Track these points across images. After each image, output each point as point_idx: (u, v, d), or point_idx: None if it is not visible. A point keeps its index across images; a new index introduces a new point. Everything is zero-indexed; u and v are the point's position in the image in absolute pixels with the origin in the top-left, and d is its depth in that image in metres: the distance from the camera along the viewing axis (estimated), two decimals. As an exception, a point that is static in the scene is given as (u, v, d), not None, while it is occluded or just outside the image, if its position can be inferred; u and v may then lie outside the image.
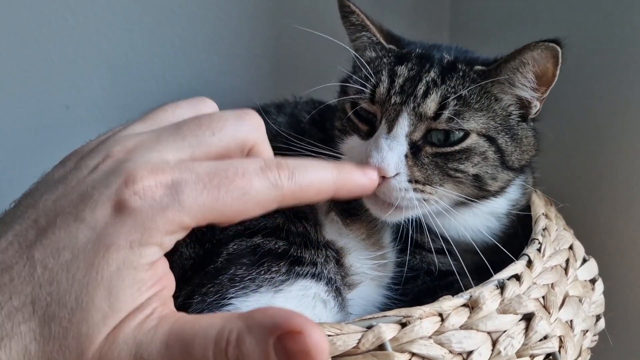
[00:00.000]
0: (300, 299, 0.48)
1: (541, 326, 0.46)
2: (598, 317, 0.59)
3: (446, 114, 0.54)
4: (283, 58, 0.98)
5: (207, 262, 0.49)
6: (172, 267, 0.49)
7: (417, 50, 0.60)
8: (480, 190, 0.57)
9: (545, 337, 0.46)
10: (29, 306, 0.30)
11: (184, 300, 0.48)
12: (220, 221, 0.34)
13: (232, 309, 0.47)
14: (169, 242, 0.33)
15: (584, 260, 0.59)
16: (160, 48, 0.90)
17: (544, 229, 0.57)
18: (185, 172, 0.32)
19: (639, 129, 0.69)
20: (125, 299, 0.31)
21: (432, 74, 0.56)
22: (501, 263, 0.51)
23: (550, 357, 0.46)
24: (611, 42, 0.72)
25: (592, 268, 0.59)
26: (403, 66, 0.57)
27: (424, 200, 0.54)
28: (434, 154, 0.55)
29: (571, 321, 0.51)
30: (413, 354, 0.41)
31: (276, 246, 0.51)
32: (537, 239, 0.55)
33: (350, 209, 0.58)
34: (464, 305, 0.45)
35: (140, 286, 0.32)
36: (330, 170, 0.37)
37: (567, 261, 0.56)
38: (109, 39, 0.85)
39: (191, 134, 0.34)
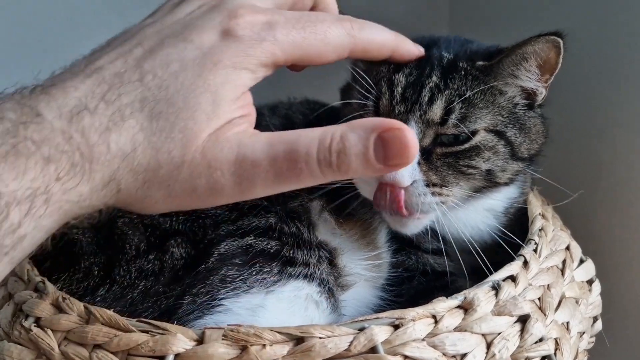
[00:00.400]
0: (292, 300, 0.47)
1: (537, 328, 0.45)
2: (595, 319, 0.58)
3: (453, 119, 0.53)
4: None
5: (199, 262, 0.48)
6: (163, 268, 0.49)
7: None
8: (490, 183, 0.57)
9: (540, 340, 0.45)
10: (138, 104, 0.35)
11: (174, 301, 0.47)
12: (303, 60, 0.40)
13: (223, 310, 0.46)
14: (261, 74, 0.39)
15: (581, 261, 0.58)
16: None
17: (540, 229, 0.57)
18: (276, 14, 0.39)
19: (637, 127, 0.69)
20: (226, 108, 0.36)
21: (434, 78, 0.55)
22: (498, 264, 0.51)
23: (546, 359, 0.45)
24: (610, 36, 0.72)
25: (589, 269, 0.58)
26: (400, 73, 0.55)
27: (442, 202, 0.54)
28: (445, 154, 0.54)
29: (567, 323, 0.50)
30: (406, 357, 0.40)
31: (268, 246, 0.50)
32: (534, 240, 0.54)
33: (343, 209, 0.58)
34: (458, 306, 0.44)
35: (236, 102, 0.37)
36: (391, 33, 0.46)
37: (564, 262, 0.55)
38: (106, 37, 0.85)
39: None
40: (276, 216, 0.52)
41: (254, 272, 0.48)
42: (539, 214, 0.60)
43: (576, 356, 0.51)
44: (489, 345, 0.43)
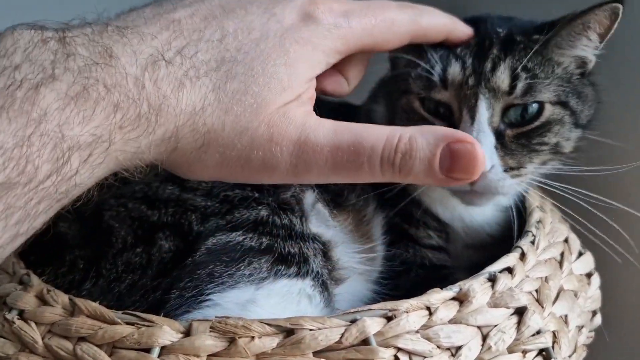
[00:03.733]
0: (284, 295, 0.46)
1: (534, 320, 0.44)
2: (594, 313, 0.57)
3: (520, 85, 0.54)
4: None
5: (186, 255, 0.47)
6: (150, 261, 0.48)
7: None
8: (556, 154, 0.58)
9: (538, 332, 0.44)
10: (214, 62, 0.35)
11: (162, 295, 0.46)
12: (371, 47, 0.42)
13: (212, 305, 0.45)
14: (333, 60, 0.40)
15: (580, 254, 0.57)
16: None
17: (538, 222, 0.56)
18: (350, 3, 0.41)
19: (635, 120, 0.68)
20: (301, 84, 0.37)
21: (494, 50, 0.55)
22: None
23: (544, 352, 0.44)
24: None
25: (588, 262, 0.57)
26: (464, 47, 0.56)
27: (521, 181, 0.55)
28: (517, 135, 0.55)
29: (566, 316, 0.49)
30: (399, 349, 0.39)
31: (258, 243, 0.48)
32: (531, 231, 0.54)
33: (337, 200, 0.57)
34: (453, 298, 0.43)
35: (309, 82, 0.38)
36: (446, 16, 0.49)
37: (562, 254, 0.54)
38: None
39: None
40: (268, 208, 0.51)
41: (242, 268, 0.47)
42: (537, 206, 0.59)
43: (575, 350, 0.50)
44: (484, 338, 0.42)
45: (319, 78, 0.40)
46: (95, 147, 0.31)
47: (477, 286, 0.44)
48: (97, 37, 0.33)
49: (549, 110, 0.56)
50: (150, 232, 0.49)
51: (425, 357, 0.39)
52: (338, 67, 0.44)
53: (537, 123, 0.55)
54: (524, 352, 0.43)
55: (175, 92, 0.33)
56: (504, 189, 0.55)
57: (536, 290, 0.48)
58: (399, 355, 0.39)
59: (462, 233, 0.64)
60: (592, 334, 0.58)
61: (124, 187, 0.52)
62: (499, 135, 0.54)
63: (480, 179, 0.50)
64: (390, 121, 0.61)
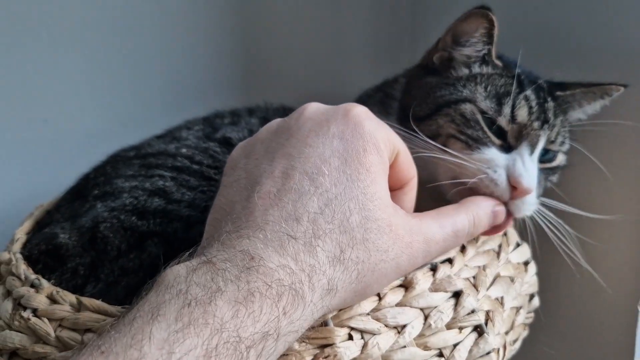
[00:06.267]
0: None
1: (468, 302, 0.51)
2: (532, 296, 0.64)
3: (560, 139, 0.65)
4: (252, 65, 1.02)
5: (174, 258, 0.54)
6: (142, 265, 0.54)
7: (520, 71, 0.65)
8: None
9: (472, 312, 0.51)
10: (322, 206, 0.41)
11: None
12: None
13: None
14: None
15: (517, 245, 0.64)
16: (134, 60, 0.93)
17: (479, 219, 0.63)
18: None
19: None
20: (385, 192, 0.46)
21: (550, 102, 0.64)
22: None
23: (478, 328, 0.51)
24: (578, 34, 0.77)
25: (524, 252, 0.64)
26: (530, 91, 0.63)
27: (535, 207, 0.62)
28: (542, 169, 0.64)
29: (502, 298, 0.56)
30: (352, 328, 0.45)
31: None
32: (472, 228, 0.61)
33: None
34: (400, 285, 0.50)
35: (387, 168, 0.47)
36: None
37: (500, 246, 0.61)
38: (84, 52, 0.89)
39: None
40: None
41: None
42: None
43: (512, 328, 0.57)
44: (426, 317, 0.49)
45: None
46: (267, 339, 0.35)
47: (420, 275, 0.50)
48: (230, 249, 0.38)
49: (562, 156, 0.66)
50: (140, 240, 0.55)
51: (374, 334, 0.46)
52: None
53: (554, 164, 0.65)
54: (460, 328, 0.50)
55: (313, 256, 0.38)
56: (528, 211, 0.60)
57: (473, 277, 0.54)
58: (352, 333, 0.45)
59: None
60: (532, 314, 0.65)
61: (116, 201, 0.59)
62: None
63: (521, 199, 0.58)
64: (422, 117, 0.64)
